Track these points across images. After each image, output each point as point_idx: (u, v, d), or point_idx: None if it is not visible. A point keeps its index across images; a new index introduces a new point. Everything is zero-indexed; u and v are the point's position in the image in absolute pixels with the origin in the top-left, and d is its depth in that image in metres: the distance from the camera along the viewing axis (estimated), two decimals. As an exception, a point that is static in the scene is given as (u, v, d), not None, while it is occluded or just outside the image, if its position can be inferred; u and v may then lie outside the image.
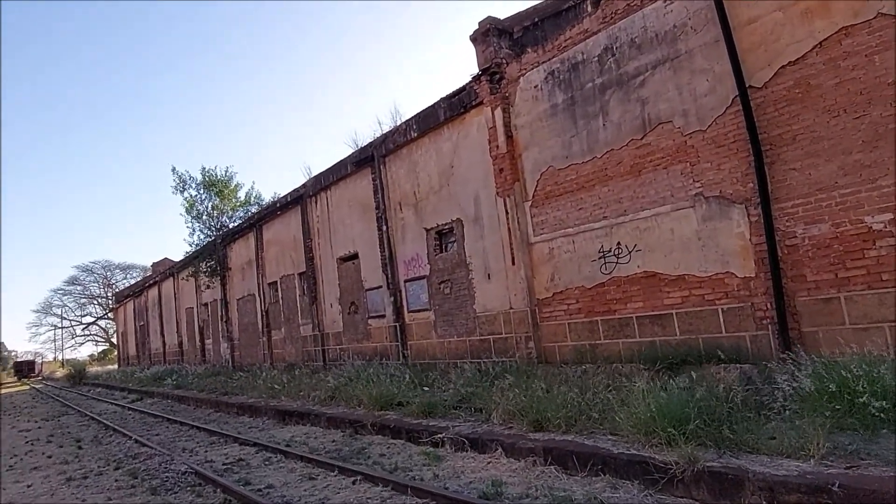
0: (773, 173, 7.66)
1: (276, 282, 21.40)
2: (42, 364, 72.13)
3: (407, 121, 13.84)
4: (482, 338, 12.11)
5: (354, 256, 16.41)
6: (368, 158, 15.23)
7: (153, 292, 38.68)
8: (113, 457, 10.18)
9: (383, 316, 15.11)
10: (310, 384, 13.02)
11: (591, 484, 5.55)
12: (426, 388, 11.38)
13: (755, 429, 5.49)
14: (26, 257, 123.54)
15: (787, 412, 5.75)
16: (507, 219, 11.19)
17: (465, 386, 9.65)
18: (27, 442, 13.42)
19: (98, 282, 73.24)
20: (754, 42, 7.87)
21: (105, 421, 15.82)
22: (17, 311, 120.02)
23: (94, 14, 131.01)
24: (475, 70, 11.85)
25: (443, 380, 11.91)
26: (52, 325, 73.99)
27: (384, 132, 14.76)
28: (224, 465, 8.45)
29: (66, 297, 72.35)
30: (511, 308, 11.30)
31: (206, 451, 9.68)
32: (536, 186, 10.81)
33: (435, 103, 13.01)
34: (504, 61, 11.37)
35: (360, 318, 16.25)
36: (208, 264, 25.77)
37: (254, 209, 25.01)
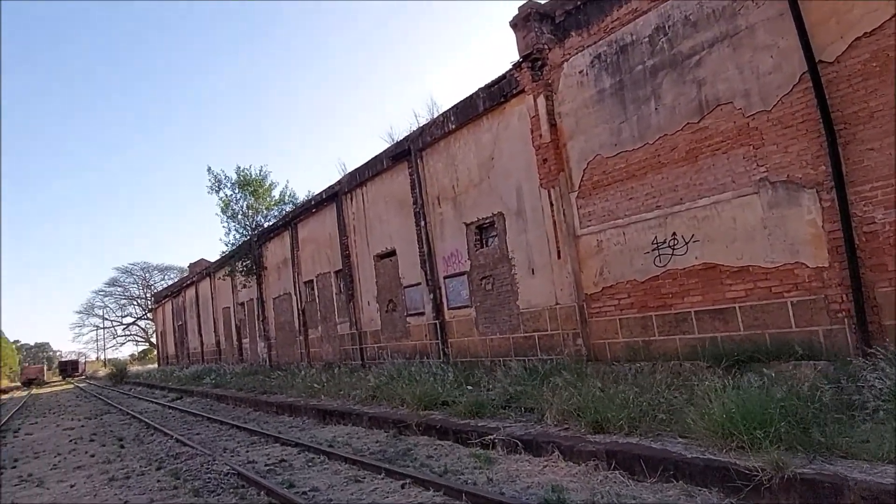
0: (849, 154, 7.07)
1: (311, 280, 21.31)
2: (85, 363, 74.15)
3: (444, 112, 13.49)
4: (526, 335, 11.69)
5: (392, 253, 16.14)
6: (405, 153, 14.93)
7: (191, 292, 39.20)
8: (155, 456, 10.08)
9: (423, 313, 14.80)
10: (349, 383, 12.78)
11: (663, 491, 5.11)
12: (470, 387, 11.02)
13: (847, 431, 4.98)
14: (71, 259, 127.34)
15: (881, 413, 5.21)
16: (552, 211, 10.75)
17: (512, 385, 9.24)
18: (70, 440, 13.50)
19: (137, 283, 75.00)
20: (824, 14, 7.28)
21: (146, 419, 15.89)
22: (61, 312, 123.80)
23: (124, 11, 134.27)
24: (516, 58, 11.43)
25: (487, 378, 11.54)
26: (94, 326, 76.04)
27: (420, 125, 14.45)
28: (266, 465, 8.22)
29: (107, 298, 74.28)
30: (557, 304, 10.86)
31: (248, 452, 9.48)
32: (583, 176, 10.34)
33: (473, 93, 12.63)
34: (546, 47, 10.92)
35: (398, 315, 15.97)
36: (244, 263, 25.88)
37: (288, 208, 25.01)
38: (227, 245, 26.49)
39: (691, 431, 5.57)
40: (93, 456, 11.03)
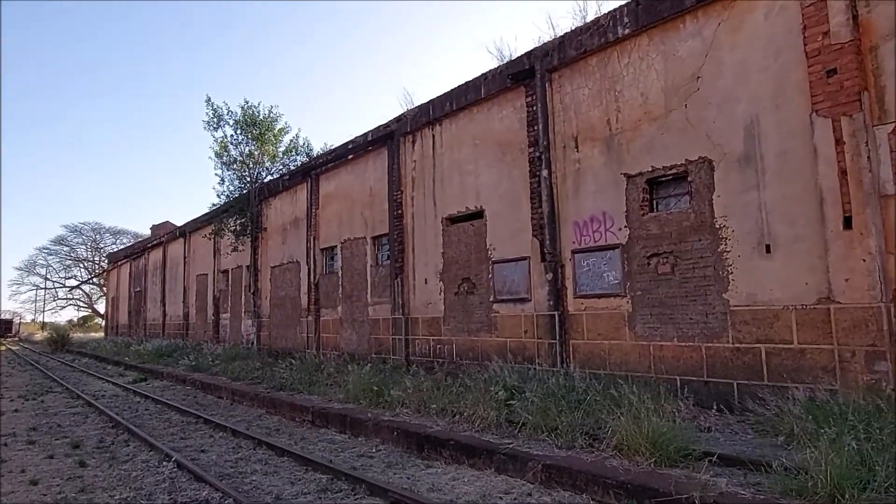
0: None
1: (334, 247, 16.78)
2: (20, 325, 66.95)
3: (611, 13, 9.29)
4: (739, 346, 7.62)
5: (476, 215, 11.85)
6: (524, 73, 10.66)
7: (156, 255, 33.82)
8: (148, 499, 5.65)
9: (525, 300, 10.58)
10: (449, 394, 8.44)
11: None
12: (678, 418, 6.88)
13: None
14: (15, 211, 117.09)
15: None
16: (841, 153, 6.70)
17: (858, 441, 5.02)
18: (-3, 441, 8.80)
19: (86, 244, 67.72)
20: None
21: (109, 410, 11.24)
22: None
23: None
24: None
25: (672, 408, 7.42)
26: (33, 285, 68.59)
27: (560, 35, 10.20)
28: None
29: (51, 258, 66.81)
30: (829, 301, 6.81)
31: (340, 519, 5.12)
32: (915, 98, 6.34)
33: (675, -20, 8.48)
34: None
35: (477, 300, 11.69)
36: (238, 221, 21.06)
37: (300, 160, 20.39)
38: (219, 196, 21.58)
39: None
40: (35, 484, 6.46)
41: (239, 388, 12.75)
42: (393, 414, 8.47)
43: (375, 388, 9.07)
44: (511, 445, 6.31)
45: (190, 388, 15.05)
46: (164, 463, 7.15)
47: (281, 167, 21.25)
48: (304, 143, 21.05)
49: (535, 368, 9.94)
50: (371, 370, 10.30)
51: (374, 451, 7.63)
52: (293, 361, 13.94)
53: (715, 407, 7.40)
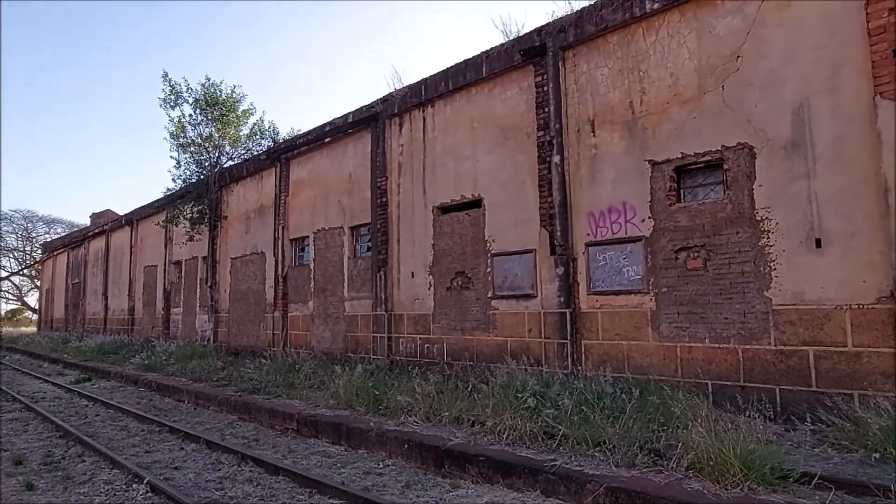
0: None
1: (305, 237, 15.56)
2: (-61, 318, 61.78)
3: (637, -16, 8.56)
4: (783, 348, 7.01)
5: (473, 204, 10.96)
6: (535, 51, 9.83)
7: (97, 244, 31.38)
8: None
9: (530, 296, 9.77)
10: (461, 399, 7.51)
11: None
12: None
13: None
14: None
15: None
16: (910, 138, 6.15)
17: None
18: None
19: (16, 233, 62.93)
20: None
21: (53, 416, 9.83)
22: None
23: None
24: None
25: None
26: (-44, 275, 63.30)
27: (578, 9, 9.40)
28: None
29: (-23, 246, 61.79)
30: (888, 300, 6.25)
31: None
32: None
33: (713, -49, 7.81)
34: None
35: (473, 296, 10.81)
36: (195, 209, 19.48)
37: (265, 144, 19.00)
38: (175, 181, 19.93)
39: None
40: (-32, 519, 5.19)
41: (203, 391, 11.46)
42: (398, 423, 7.47)
43: (376, 393, 8.04)
44: (557, 462, 5.44)
45: (144, 389, 13.56)
46: (134, 485, 5.97)
47: (244, 151, 19.85)
48: (269, 127, 19.69)
49: (542, 370, 9.16)
50: (363, 372, 9.24)
51: (380, 466, 6.64)
52: (263, 361, 12.72)
53: (752, 415, 6.76)
